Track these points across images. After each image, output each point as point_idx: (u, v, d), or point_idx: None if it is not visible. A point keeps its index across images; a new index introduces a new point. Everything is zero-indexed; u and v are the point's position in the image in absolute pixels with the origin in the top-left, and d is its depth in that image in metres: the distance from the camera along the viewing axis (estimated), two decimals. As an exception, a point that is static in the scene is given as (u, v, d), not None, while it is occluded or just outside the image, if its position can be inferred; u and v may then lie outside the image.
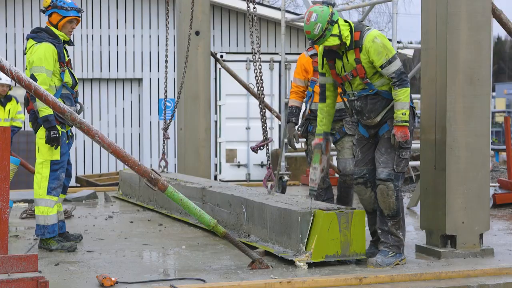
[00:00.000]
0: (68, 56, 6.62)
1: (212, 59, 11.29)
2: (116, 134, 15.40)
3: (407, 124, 5.69)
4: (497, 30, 59.76)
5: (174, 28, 12.81)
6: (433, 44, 6.19)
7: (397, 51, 9.09)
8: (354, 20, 7.51)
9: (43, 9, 6.58)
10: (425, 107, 6.32)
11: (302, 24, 15.51)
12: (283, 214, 6.03)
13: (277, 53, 14.70)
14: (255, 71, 7.04)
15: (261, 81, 7.07)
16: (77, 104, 6.63)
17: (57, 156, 6.37)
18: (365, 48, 5.71)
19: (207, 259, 6.07)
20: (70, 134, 6.54)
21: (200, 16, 10.29)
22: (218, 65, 14.39)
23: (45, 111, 6.22)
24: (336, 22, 5.69)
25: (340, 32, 5.70)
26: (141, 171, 5.33)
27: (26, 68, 6.46)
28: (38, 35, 6.45)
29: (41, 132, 6.38)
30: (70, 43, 6.68)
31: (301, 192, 10.88)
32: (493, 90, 43.92)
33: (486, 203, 6.21)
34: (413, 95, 9.24)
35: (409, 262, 5.95)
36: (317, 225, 5.70)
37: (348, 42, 5.74)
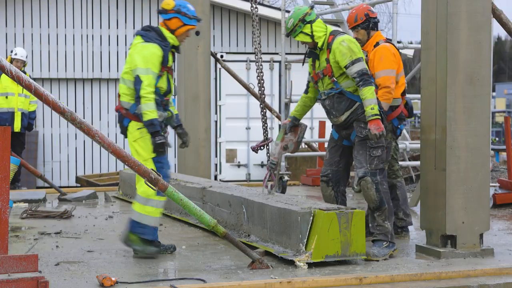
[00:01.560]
0: (173, 61, 6.39)
1: (212, 59, 11.29)
2: (116, 134, 15.40)
3: (378, 116, 6.11)
4: (497, 30, 59.83)
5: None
6: (433, 44, 6.19)
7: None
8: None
9: (162, 9, 6.30)
10: (425, 107, 6.32)
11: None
12: (283, 214, 6.04)
13: (277, 53, 14.70)
14: (257, 71, 7.10)
15: (262, 81, 7.11)
16: (167, 112, 6.36)
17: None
18: (332, 49, 6.27)
19: (207, 259, 6.07)
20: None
21: (200, 16, 10.29)
22: (218, 65, 14.39)
23: (150, 114, 6.00)
24: (309, 22, 6.32)
25: (312, 32, 6.32)
26: (141, 171, 5.34)
27: (126, 62, 6.29)
28: (147, 33, 6.23)
29: (135, 134, 6.13)
30: (178, 50, 6.42)
31: (301, 192, 10.88)
32: (493, 90, 43.94)
33: (486, 203, 6.21)
34: (412, 95, 9.31)
35: (409, 262, 5.96)
36: (317, 225, 5.70)
37: (320, 43, 6.33)
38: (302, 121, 6.75)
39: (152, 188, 5.45)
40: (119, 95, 6.28)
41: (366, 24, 6.94)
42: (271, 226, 6.25)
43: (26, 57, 12.15)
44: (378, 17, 7.15)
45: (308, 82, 6.61)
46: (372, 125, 6.09)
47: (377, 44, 6.87)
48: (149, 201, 6.11)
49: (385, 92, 6.57)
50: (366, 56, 6.99)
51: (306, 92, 6.66)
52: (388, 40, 6.99)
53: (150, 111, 5.99)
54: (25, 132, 12.18)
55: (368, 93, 6.11)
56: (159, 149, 6.05)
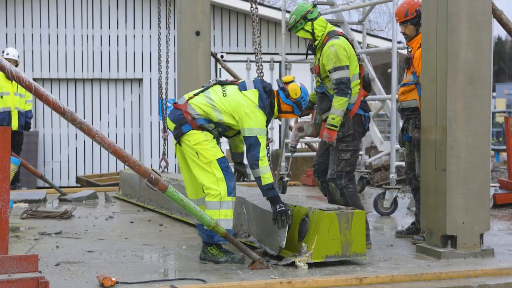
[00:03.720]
0: None
1: (212, 59, 11.28)
2: (116, 134, 15.41)
3: (334, 128, 6.39)
4: (498, 30, 59.81)
5: (174, 28, 12.81)
6: (433, 44, 6.19)
7: (398, 52, 9.10)
8: (354, 20, 7.70)
9: (285, 89, 6.05)
10: (425, 107, 6.32)
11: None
12: (284, 214, 6.02)
13: (277, 53, 14.70)
14: (257, 71, 7.13)
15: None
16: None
17: (221, 154, 5.91)
18: (322, 52, 6.49)
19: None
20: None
21: (200, 16, 10.29)
22: (219, 65, 14.38)
23: (269, 178, 5.79)
24: (311, 20, 6.52)
25: (313, 29, 6.53)
26: (141, 172, 5.33)
27: None
28: (264, 98, 5.94)
29: (199, 136, 5.89)
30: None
31: (301, 192, 10.88)
32: (494, 90, 43.94)
33: (487, 203, 6.21)
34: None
35: (410, 262, 5.96)
36: (318, 225, 5.70)
37: (318, 41, 6.55)
38: None
39: (152, 188, 5.44)
40: (188, 98, 5.99)
41: (416, 20, 6.87)
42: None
43: (18, 56, 12.12)
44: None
45: None
46: (325, 133, 6.42)
47: None
48: (223, 203, 5.83)
49: None
50: (410, 52, 6.99)
51: None
52: None
53: (268, 174, 5.80)
54: (22, 131, 12.16)
55: (337, 103, 6.35)
56: (281, 217, 5.79)
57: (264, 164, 5.78)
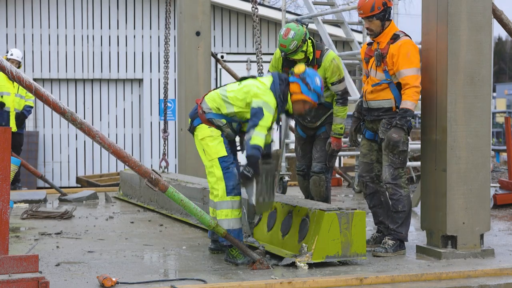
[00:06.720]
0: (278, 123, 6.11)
1: (213, 60, 11.28)
2: (116, 134, 15.41)
3: (341, 136, 6.91)
4: (498, 31, 59.77)
5: (174, 29, 12.81)
6: (434, 45, 6.19)
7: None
8: (355, 21, 7.69)
9: (292, 71, 5.97)
10: (426, 107, 6.31)
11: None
12: (284, 214, 6.03)
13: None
14: (257, 71, 7.20)
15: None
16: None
17: (224, 152, 5.88)
18: (323, 65, 6.78)
19: (207, 259, 6.07)
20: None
21: (201, 16, 10.29)
22: (219, 66, 14.38)
23: (260, 140, 5.68)
24: (306, 41, 6.69)
25: (307, 49, 6.74)
26: (141, 172, 5.34)
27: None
28: (276, 85, 5.84)
29: (206, 132, 5.93)
30: (291, 117, 6.22)
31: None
32: (494, 91, 43.96)
33: (487, 203, 6.21)
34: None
35: (410, 262, 5.96)
36: (318, 226, 5.70)
37: (310, 58, 6.79)
38: None
39: (152, 188, 5.44)
40: (205, 94, 6.08)
41: (382, 15, 6.27)
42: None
43: (22, 58, 12.10)
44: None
45: None
46: (334, 142, 6.87)
47: (396, 36, 6.28)
48: (222, 203, 5.86)
49: (415, 92, 6.12)
50: (378, 49, 6.35)
51: None
52: (404, 33, 6.40)
53: (261, 139, 5.67)
54: (22, 132, 12.14)
55: (343, 113, 6.87)
56: (242, 179, 5.81)
57: (261, 131, 5.68)
